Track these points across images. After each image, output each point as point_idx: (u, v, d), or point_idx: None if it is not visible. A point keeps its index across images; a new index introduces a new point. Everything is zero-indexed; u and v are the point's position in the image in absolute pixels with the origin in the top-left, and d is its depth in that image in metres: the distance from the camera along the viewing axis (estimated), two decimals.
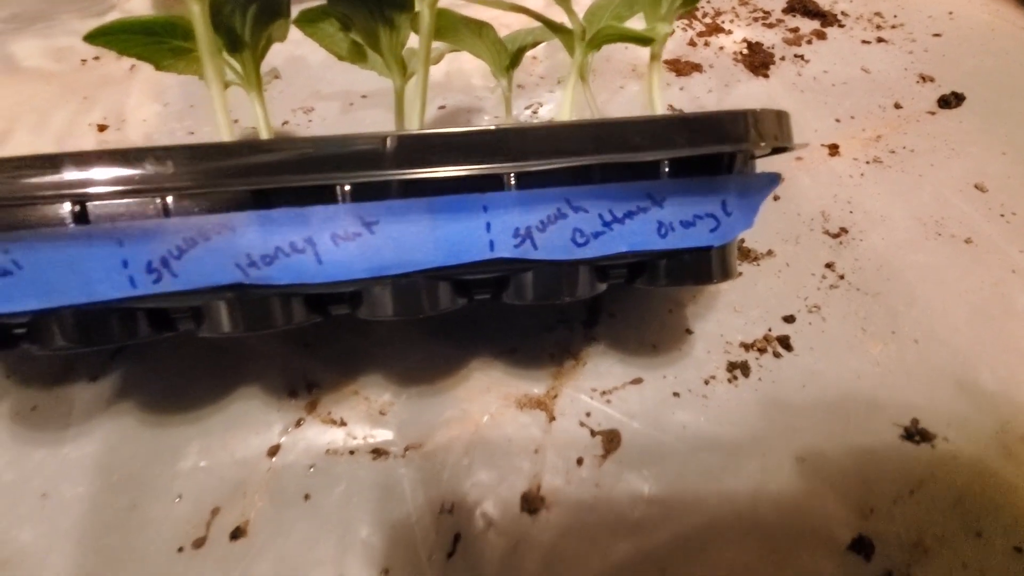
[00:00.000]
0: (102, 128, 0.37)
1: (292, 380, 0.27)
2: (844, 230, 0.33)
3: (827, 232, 0.33)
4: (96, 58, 0.43)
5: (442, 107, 0.40)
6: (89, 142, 0.37)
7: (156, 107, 0.39)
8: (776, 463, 0.25)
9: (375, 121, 0.39)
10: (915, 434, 0.25)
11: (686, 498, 0.24)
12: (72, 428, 0.25)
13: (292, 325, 0.21)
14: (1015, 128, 0.39)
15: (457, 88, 0.42)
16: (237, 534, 0.23)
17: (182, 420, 0.25)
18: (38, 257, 0.19)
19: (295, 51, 0.43)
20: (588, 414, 0.26)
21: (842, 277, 0.31)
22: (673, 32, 0.28)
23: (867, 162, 0.37)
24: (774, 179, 0.22)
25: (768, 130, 0.21)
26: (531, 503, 0.24)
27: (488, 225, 0.20)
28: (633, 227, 0.21)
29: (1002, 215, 0.35)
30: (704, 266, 0.23)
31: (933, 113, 0.41)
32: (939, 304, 0.30)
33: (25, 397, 0.26)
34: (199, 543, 0.22)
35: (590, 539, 0.23)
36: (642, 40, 0.27)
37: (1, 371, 0.26)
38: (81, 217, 0.19)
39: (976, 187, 0.36)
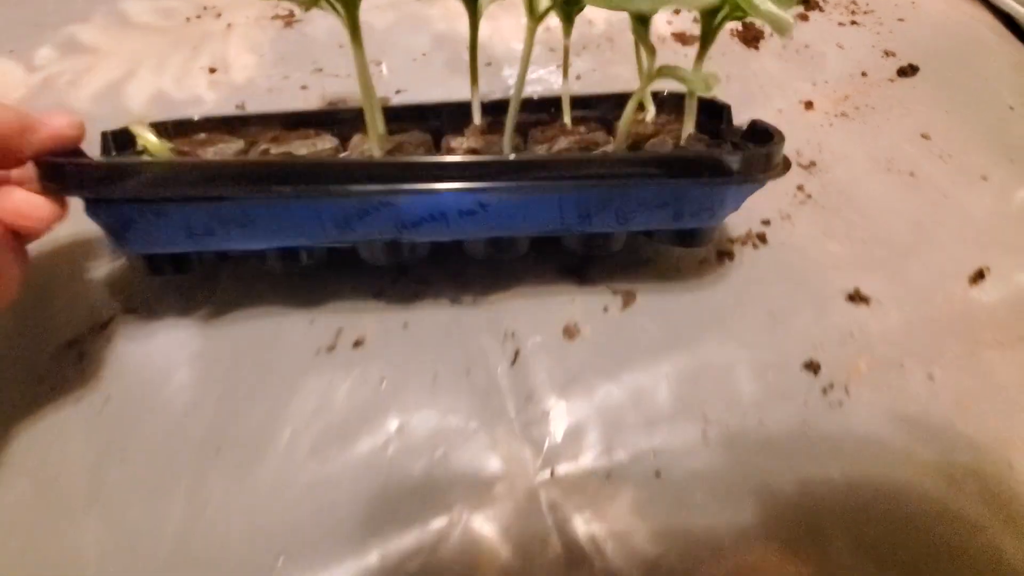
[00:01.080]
0: (212, 71, 0.46)
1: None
2: (813, 163, 0.42)
3: (800, 164, 0.42)
4: (198, 16, 0.51)
5: (488, 64, 0.48)
6: (203, 82, 0.45)
7: (253, 57, 0.47)
8: (751, 315, 0.33)
9: (438, 70, 0.47)
10: (856, 297, 0.34)
11: (681, 333, 0.32)
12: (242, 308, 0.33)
13: (416, 257, 0.31)
14: (957, 93, 0.48)
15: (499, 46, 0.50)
16: (358, 343, 0.31)
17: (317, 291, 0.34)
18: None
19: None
20: (611, 278, 0.34)
21: (809, 196, 0.40)
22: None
23: (836, 115, 0.46)
24: (759, 186, 0.30)
25: (758, 166, 0.29)
26: (570, 333, 0.32)
27: (560, 210, 0.29)
28: (657, 213, 0.30)
29: (940, 157, 0.43)
30: (698, 237, 0.33)
31: (892, 80, 0.49)
32: (885, 218, 0.39)
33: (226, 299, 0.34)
34: (330, 348, 0.31)
35: (611, 355, 0.31)
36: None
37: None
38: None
39: (922, 136, 0.45)
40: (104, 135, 0.32)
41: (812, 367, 0.31)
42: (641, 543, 0.26)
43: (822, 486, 0.28)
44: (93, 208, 0.28)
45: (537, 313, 0.33)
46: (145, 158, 0.31)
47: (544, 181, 0.28)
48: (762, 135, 0.31)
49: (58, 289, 0.33)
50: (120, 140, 0.32)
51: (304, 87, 0.45)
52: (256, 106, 0.43)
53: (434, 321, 0.33)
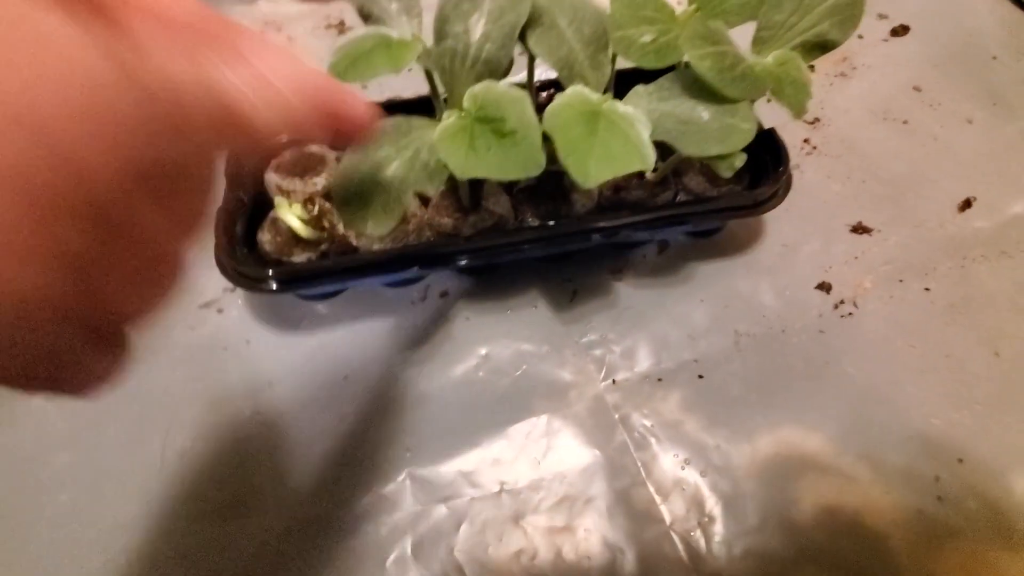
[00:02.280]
0: None
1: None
2: (817, 119, 0.47)
3: (805, 120, 0.47)
4: (262, 31, 0.57)
5: None
6: None
7: (316, 64, 0.54)
8: (768, 247, 0.39)
9: None
10: (859, 228, 0.40)
11: (710, 268, 0.38)
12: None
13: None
14: (945, 47, 0.53)
15: None
16: (443, 294, 0.37)
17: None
18: None
19: None
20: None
21: (815, 148, 0.45)
22: None
23: (836, 76, 0.51)
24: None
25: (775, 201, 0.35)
26: (616, 275, 0.38)
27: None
28: (677, 228, 0.36)
29: (930, 105, 0.48)
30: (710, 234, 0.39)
31: (886, 40, 0.55)
32: (882, 161, 0.44)
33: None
34: (422, 299, 0.37)
35: (651, 288, 0.37)
36: None
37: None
38: None
39: (914, 88, 0.50)
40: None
41: (824, 287, 0.37)
42: (691, 430, 0.32)
43: (838, 378, 0.34)
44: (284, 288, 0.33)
45: (586, 263, 0.39)
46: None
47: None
48: (773, 148, 0.36)
49: (196, 260, 0.40)
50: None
51: (364, 86, 0.52)
52: None
53: (502, 271, 0.39)
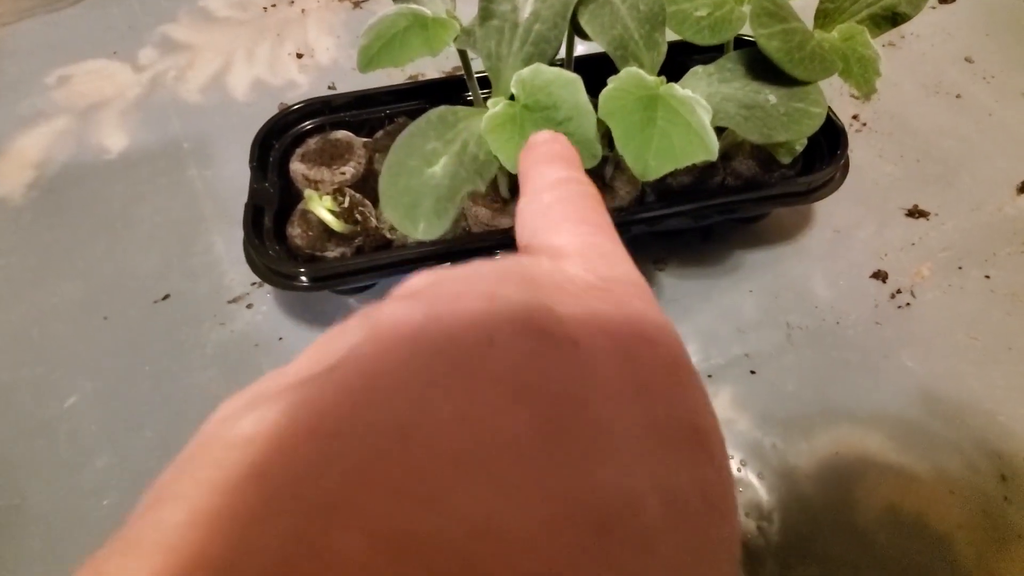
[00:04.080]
0: (299, 56, 0.50)
1: None
2: None
3: (852, 95, 0.45)
4: (273, 5, 0.55)
5: None
6: (293, 67, 0.49)
7: (331, 39, 0.51)
8: (819, 233, 0.37)
9: None
10: (915, 212, 0.38)
11: (757, 255, 0.37)
12: None
13: None
14: (995, 16, 0.50)
15: None
16: None
17: None
18: None
19: None
20: None
21: (864, 124, 0.43)
22: None
23: (883, 46, 0.49)
24: None
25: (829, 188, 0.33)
26: (659, 264, 0.36)
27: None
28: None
29: (984, 78, 0.46)
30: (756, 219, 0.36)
31: (935, 8, 0.51)
32: (935, 138, 0.42)
33: None
34: None
35: (698, 279, 0.36)
36: None
37: None
38: None
39: (966, 59, 0.47)
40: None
41: (880, 275, 0.35)
42: (745, 429, 0.31)
43: (896, 373, 0.32)
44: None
45: (630, 251, 0.38)
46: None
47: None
48: (828, 128, 0.33)
49: (223, 254, 0.38)
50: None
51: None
52: (345, 85, 0.47)
53: None
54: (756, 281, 0.36)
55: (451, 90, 0.39)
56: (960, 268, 0.36)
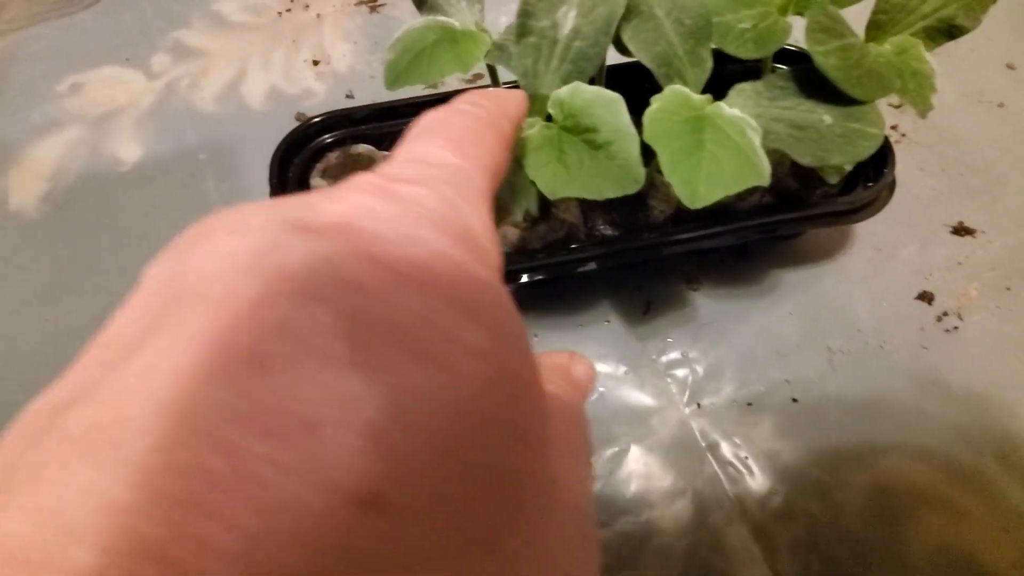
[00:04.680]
0: (316, 63, 0.49)
1: None
2: (901, 104, 0.43)
3: (890, 104, 0.43)
4: (288, 10, 0.53)
5: None
6: (309, 75, 0.48)
7: (348, 46, 0.50)
8: (859, 251, 0.36)
9: None
10: (961, 230, 0.36)
11: (796, 275, 0.35)
12: None
13: None
14: None
15: None
16: None
17: None
18: None
19: None
20: None
21: (904, 135, 0.41)
22: None
23: None
24: None
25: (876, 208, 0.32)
26: (693, 284, 0.35)
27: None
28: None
29: None
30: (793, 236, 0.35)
31: None
32: (979, 149, 0.40)
33: None
34: None
35: (734, 300, 0.34)
36: None
37: None
38: None
39: (1007, 66, 0.45)
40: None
41: (925, 297, 0.34)
42: (788, 460, 0.30)
43: (944, 400, 0.31)
44: None
45: (658, 270, 0.36)
46: None
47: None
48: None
49: None
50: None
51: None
52: (363, 93, 0.46)
53: (569, 282, 0.36)
54: (795, 302, 0.34)
55: None
56: (1008, 289, 0.34)
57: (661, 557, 0.28)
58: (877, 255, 0.36)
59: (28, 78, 0.50)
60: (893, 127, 0.41)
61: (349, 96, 0.46)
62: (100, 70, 0.50)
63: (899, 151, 0.41)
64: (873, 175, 0.32)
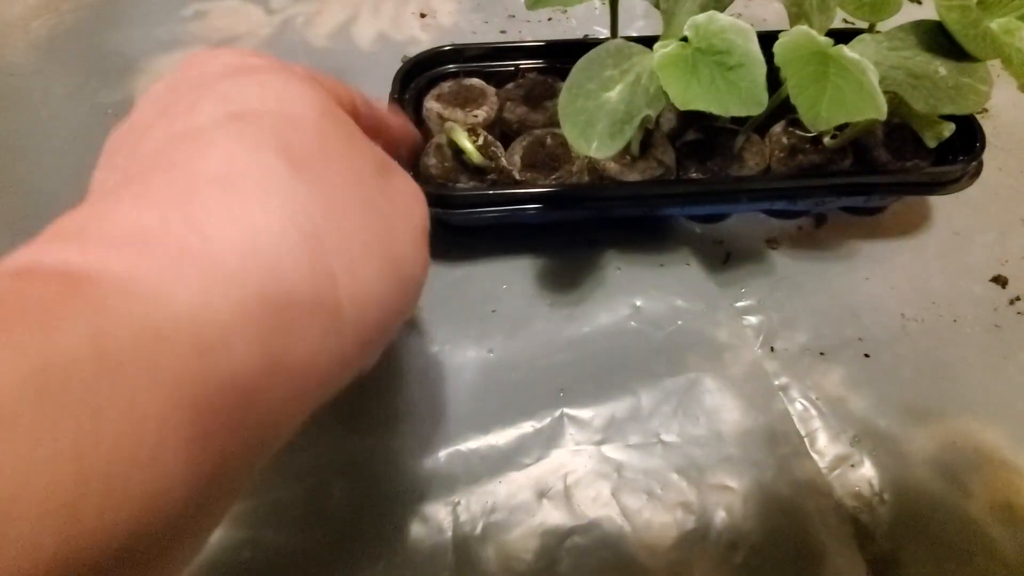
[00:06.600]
0: (423, 15, 0.52)
1: None
2: (985, 110, 0.45)
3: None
4: None
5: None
6: (416, 25, 0.51)
7: (453, 4, 0.53)
8: (937, 233, 0.37)
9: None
10: None
11: (872, 246, 0.37)
12: None
13: None
14: None
15: None
16: (592, 243, 0.36)
17: None
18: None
19: None
20: None
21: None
22: None
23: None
24: None
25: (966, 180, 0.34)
26: (772, 243, 0.37)
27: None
28: (848, 200, 0.34)
29: None
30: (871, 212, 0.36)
31: None
32: None
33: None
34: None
35: (810, 261, 0.36)
36: None
37: None
38: None
39: None
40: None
41: (999, 280, 0.35)
42: (858, 409, 0.31)
43: (1017, 375, 0.32)
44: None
45: (738, 228, 0.38)
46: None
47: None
48: (964, 128, 0.33)
49: None
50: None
51: (503, 31, 0.51)
52: None
53: (651, 227, 0.38)
54: (871, 270, 0.36)
55: (577, 52, 0.40)
56: None
57: (729, 475, 0.29)
58: (955, 238, 0.37)
59: (156, 1, 0.53)
60: None
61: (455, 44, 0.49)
62: (223, 2, 0.54)
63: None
64: (965, 153, 0.34)
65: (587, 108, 0.24)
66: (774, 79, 0.26)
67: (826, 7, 0.27)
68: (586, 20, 0.52)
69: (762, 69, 0.25)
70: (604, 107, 0.25)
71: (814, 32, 0.27)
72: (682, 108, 0.25)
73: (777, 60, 0.25)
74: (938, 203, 0.39)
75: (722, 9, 0.27)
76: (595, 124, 0.24)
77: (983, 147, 0.33)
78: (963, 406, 0.31)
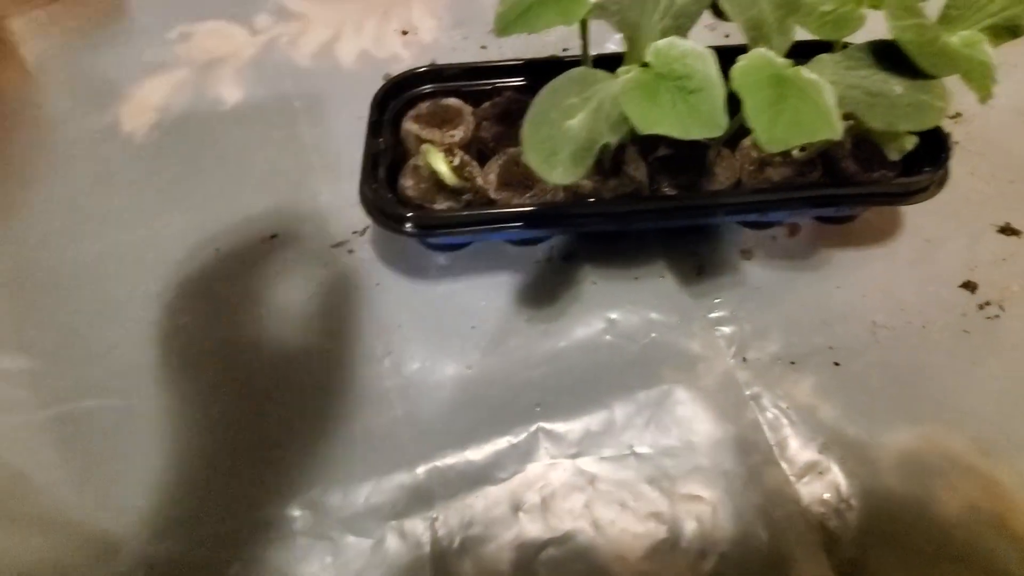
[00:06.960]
0: (404, 33, 0.53)
1: None
2: (959, 114, 0.45)
3: (947, 116, 0.45)
4: None
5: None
6: (397, 43, 0.52)
7: (434, 21, 0.54)
8: (909, 240, 0.38)
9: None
10: (1008, 230, 0.38)
11: (844, 254, 0.37)
12: None
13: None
14: None
15: None
16: (568, 257, 0.37)
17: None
18: None
19: None
20: None
21: (957, 142, 0.43)
22: None
23: None
24: None
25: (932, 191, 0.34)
26: (745, 254, 0.37)
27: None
28: (818, 211, 0.34)
29: None
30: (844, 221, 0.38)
31: None
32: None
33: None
34: (548, 260, 0.37)
35: (782, 271, 0.37)
36: None
37: None
38: None
39: None
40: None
41: (969, 286, 0.36)
42: (827, 417, 0.32)
43: (983, 380, 0.33)
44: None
45: (713, 239, 0.39)
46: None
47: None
48: (929, 138, 0.33)
49: (328, 203, 0.41)
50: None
51: (483, 47, 0.51)
52: (445, 62, 0.50)
53: (627, 240, 0.38)
54: (842, 278, 0.36)
55: (553, 71, 0.41)
56: None
57: (700, 484, 0.30)
58: (926, 245, 0.38)
59: (143, 23, 0.54)
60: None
61: (432, 64, 0.50)
62: (207, 23, 0.54)
63: (951, 156, 0.43)
64: (932, 163, 0.34)
65: (551, 136, 0.25)
66: (736, 98, 0.27)
67: (785, 28, 0.28)
68: (565, 34, 0.53)
69: (722, 92, 0.26)
70: (567, 135, 0.25)
71: (772, 54, 0.27)
72: (644, 132, 0.26)
73: (733, 85, 0.26)
74: (909, 209, 0.39)
75: (683, 34, 0.27)
76: (558, 152, 0.25)
77: (947, 157, 0.34)
78: (931, 412, 0.32)
